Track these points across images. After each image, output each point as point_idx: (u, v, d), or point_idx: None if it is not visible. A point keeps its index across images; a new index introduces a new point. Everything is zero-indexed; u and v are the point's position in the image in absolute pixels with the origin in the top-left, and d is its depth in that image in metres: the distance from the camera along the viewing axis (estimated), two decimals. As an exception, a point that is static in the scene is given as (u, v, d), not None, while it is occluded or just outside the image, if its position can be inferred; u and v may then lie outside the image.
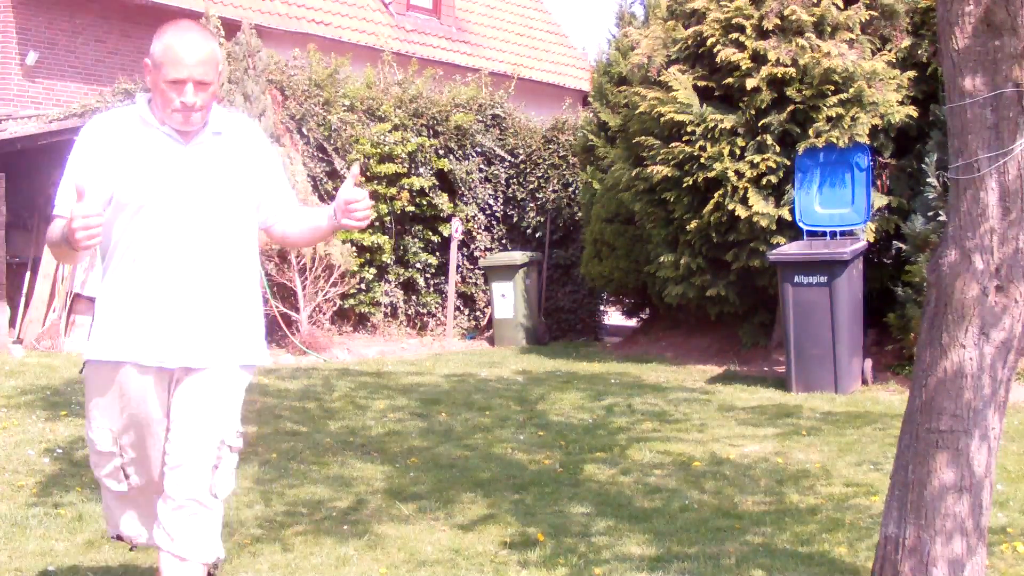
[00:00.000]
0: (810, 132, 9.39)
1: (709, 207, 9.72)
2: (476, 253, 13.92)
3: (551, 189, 13.95)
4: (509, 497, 5.23)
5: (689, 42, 10.11)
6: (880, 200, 9.51)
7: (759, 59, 9.59)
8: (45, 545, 4.30)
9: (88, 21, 15.07)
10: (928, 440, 3.56)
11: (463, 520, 4.82)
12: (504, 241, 14.07)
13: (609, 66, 12.83)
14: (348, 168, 12.10)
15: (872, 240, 9.34)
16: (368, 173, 12.82)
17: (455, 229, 13.42)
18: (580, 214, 13.43)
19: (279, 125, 11.99)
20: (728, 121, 9.65)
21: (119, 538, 3.57)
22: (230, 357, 3.26)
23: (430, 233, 13.63)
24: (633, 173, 10.47)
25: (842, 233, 9.32)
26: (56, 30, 14.80)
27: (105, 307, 3.25)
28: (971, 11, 3.47)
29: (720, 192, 9.63)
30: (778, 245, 9.32)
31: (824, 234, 9.37)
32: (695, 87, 9.94)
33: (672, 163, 9.92)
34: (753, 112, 9.60)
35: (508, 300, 12.92)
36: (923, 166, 8.97)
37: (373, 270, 13.05)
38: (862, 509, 4.99)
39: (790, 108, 9.46)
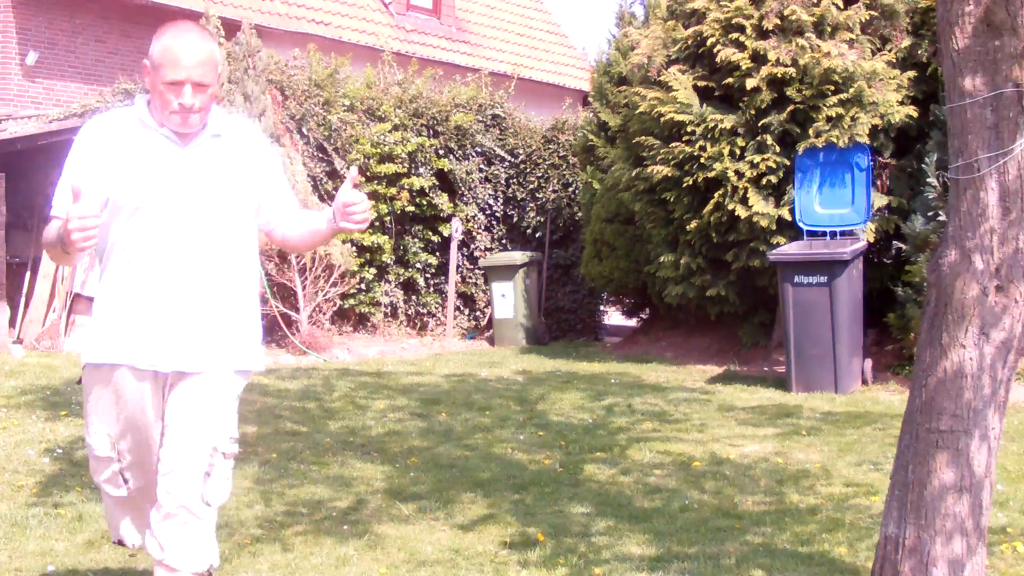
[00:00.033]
0: (810, 132, 9.39)
1: (709, 207, 9.72)
2: (476, 253, 13.91)
3: (551, 189, 13.95)
4: (509, 497, 5.23)
5: (689, 42, 10.12)
6: (880, 200, 9.51)
7: (759, 59, 9.59)
8: (45, 545, 4.30)
9: (88, 21, 15.06)
10: (928, 440, 3.56)
11: (463, 520, 4.82)
12: (504, 241, 14.07)
13: (609, 66, 12.83)
14: (348, 168, 12.08)
15: (872, 240, 9.34)
16: (368, 173, 12.82)
17: (455, 229, 13.42)
18: (580, 214, 13.43)
19: (279, 125, 11.99)
20: (728, 121, 9.65)
21: (120, 543, 3.55)
22: (225, 362, 3.22)
23: (430, 233, 13.63)
24: (633, 173, 10.47)
25: (842, 233, 9.32)
26: (56, 30, 14.80)
27: (101, 310, 3.22)
28: (971, 11, 3.46)
29: (720, 192, 9.63)
30: (778, 245, 9.32)
31: (824, 234, 9.37)
32: (695, 87, 9.94)
33: (672, 163, 9.92)
34: (753, 112, 9.60)
35: (508, 300, 12.92)
36: (923, 166, 8.97)
37: (373, 270, 13.05)
38: (862, 509, 4.99)
39: (790, 108, 9.46)
